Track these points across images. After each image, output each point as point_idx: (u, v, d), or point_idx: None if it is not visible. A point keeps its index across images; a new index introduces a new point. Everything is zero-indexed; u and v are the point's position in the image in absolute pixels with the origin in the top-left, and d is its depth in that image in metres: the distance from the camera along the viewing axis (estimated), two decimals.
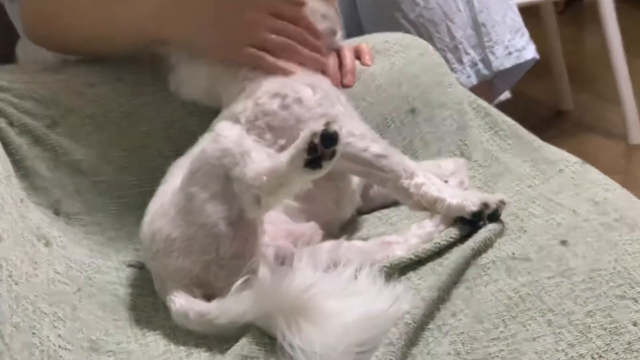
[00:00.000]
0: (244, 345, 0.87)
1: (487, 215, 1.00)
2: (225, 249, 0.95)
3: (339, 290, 0.88)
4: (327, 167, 0.90)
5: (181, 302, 0.95)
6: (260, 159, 0.94)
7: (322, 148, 0.89)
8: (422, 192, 1.02)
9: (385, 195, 1.17)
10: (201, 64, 1.18)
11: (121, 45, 1.26)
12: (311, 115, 1.08)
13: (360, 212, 1.18)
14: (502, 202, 1.01)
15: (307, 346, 0.82)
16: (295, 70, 1.16)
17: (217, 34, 1.18)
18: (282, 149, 1.05)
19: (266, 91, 1.11)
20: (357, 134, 1.04)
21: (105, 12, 1.23)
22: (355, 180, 1.12)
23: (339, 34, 1.28)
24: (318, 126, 0.89)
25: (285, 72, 1.15)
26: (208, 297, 0.95)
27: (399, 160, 1.04)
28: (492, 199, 1.01)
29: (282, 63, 1.16)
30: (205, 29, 1.18)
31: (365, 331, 0.84)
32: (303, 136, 0.89)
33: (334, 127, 0.89)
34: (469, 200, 1.01)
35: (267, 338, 0.88)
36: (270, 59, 1.16)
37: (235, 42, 1.17)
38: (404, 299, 0.87)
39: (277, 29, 1.19)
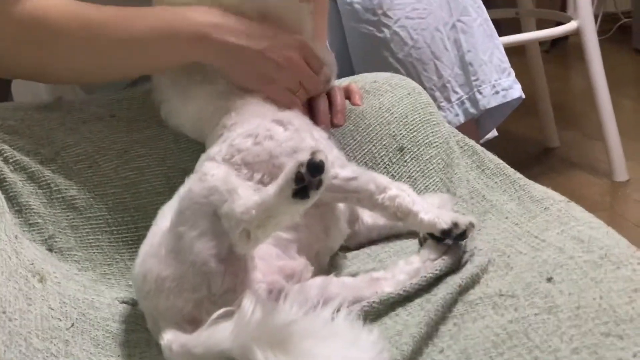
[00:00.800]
0: None
1: (456, 234, 1.04)
2: (217, 286, 0.96)
3: (318, 330, 0.89)
4: (315, 196, 0.92)
5: (169, 337, 0.95)
6: (248, 195, 0.95)
7: (309, 177, 0.90)
8: (396, 204, 1.05)
9: (370, 228, 1.19)
10: (192, 103, 1.20)
11: (141, 65, 1.26)
12: (282, 150, 1.10)
13: (349, 248, 1.19)
14: (472, 225, 1.04)
15: None
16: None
17: (259, 65, 1.20)
18: (259, 182, 1.08)
19: (240, 133, 1.13)
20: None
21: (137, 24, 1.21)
22: (340, 207, 1.14)
23: (333, 81, 1.31)
24: (304, 156, 0.90)
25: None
26: None
27: (368, 178, 1.07)
28: (463, 220, 1.04)
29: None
30: (248, 56, 1.19)
31: None
32: (290, 167, 0.91)
33: (320, 156, 0.90)
34: (441, 218, 1.04)
35: None
36: (300, 107, 1.22)
37: (276, 80, 1.20)
38: (382, 348, 0.88)
39: (309, 79, 1.23)
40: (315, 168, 0.90)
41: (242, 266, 0.97)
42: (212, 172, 0.98)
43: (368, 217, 1.19)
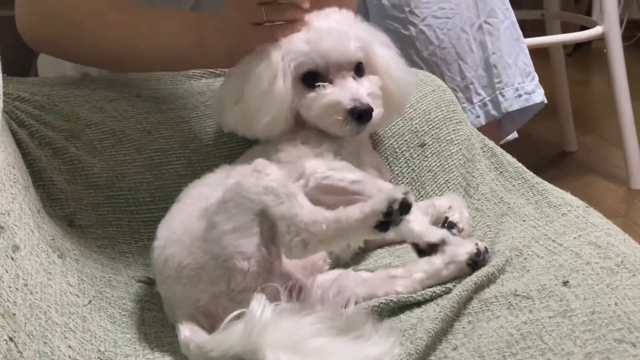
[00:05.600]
0: None
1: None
2: (237, 283, 0.96)
3: (329, 327, 0.90)
4: (391, 232, 0.93)
5: (186, 333, 0.95)
6: (312, 206, 0.96)
7: (397, 215, 0.92)
8: None
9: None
10: None
11: (146, 67, 1.31)
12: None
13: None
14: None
15: None
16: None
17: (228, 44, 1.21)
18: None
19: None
20: (337, 168, 1.08)
21: (138, 33, 1.26)
22: None
23: None
24: (398, 194, 0.91)
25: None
26: (215, 329, 0.95)
27: (373, 183, 1.08)
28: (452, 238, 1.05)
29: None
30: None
31: None
32: (382, 200, 0.92)
33: (412, 198, 0.92)
34: (431, 232, 1.06)
35: None
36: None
37: (242, 30, 1.20)
38: (394, 342, 0.89)
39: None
40: (406, 208, 0.92)
41: (267, 267, 0.97)
42: (267, 170, 0.98)
43: None
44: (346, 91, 1.12)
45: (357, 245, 1.12)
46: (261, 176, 0.97)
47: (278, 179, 0.97)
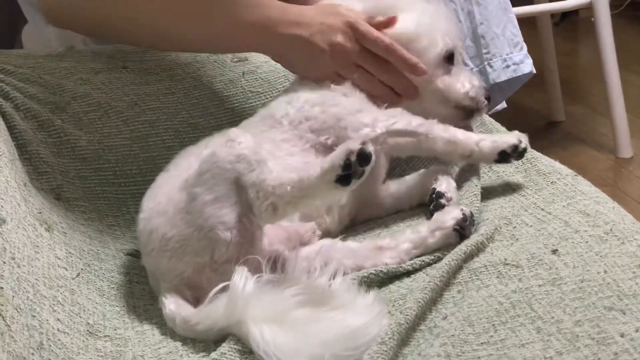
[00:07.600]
0: (238, 339, 0.89)
1: (521, 150, 1.12)
2: (220, 254, 0.96)
3: (312, 298, 0.90)
4: (354, 185, 0.93)
5: (171, 307, 0.96)
6: (280, 170, 0.96)
7: (356, 166, 0.91)
8: (464, 137, 1.11)
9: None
10: None
11: (191, 49, 1.29)
12: (348, 112, 1.12)
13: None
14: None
15: (283, 355, 0.83)
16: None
17: (306, 51, 1.19)
18: (322, 145, 1.10)
19: (306, 100, 1.14)
20: (397, 115, 1.11)
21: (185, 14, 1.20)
22: (349, 197, 1.13)
23: None
24: (354, 145, 0.91)
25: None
26: (199, 300, 0.96)
27: (433, 122, 1.11)
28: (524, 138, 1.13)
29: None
30: (297, 44, 1.19)
31: (343, 345, 0.84)
32: (338, 153, 0.91)
33: (369, 147, 0.91)
34: (501, 140, 1.11)
35: None
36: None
37: (324, 65, 1.18)
38: (380, 312, 0.89)
39: (363, 61, 1.19)
40: (364, 158, 0.91)
41: (248, 237, 0.97)
42: (239, 139, 0.97)
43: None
44: None
45: (334, 205, 1.12)
46: (234, 145, 0.97)
47: (250, 147, 0.97)
